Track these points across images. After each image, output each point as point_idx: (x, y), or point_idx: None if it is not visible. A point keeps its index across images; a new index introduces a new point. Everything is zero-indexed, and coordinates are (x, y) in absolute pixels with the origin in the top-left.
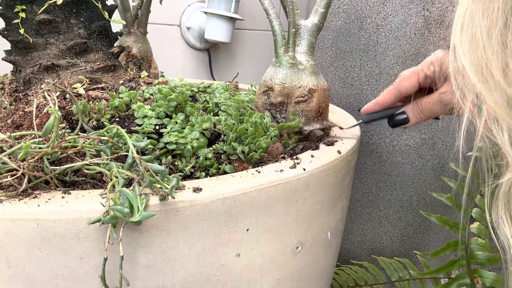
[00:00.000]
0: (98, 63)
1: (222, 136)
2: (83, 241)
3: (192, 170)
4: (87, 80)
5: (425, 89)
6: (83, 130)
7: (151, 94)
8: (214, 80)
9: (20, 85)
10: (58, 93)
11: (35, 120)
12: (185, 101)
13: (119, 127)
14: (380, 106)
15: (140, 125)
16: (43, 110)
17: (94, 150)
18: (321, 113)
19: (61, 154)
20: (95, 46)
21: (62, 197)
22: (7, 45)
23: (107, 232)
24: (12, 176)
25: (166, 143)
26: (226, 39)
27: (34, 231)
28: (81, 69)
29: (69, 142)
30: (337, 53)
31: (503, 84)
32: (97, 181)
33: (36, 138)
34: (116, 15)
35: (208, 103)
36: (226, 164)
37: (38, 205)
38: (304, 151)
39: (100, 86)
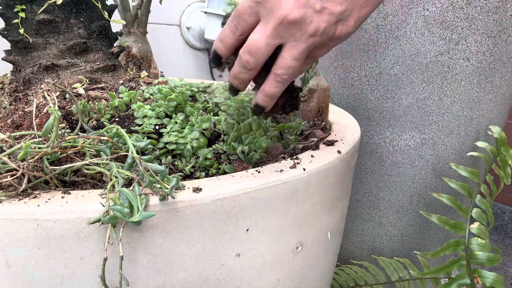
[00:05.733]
0: (98, 63)
1: (222, 136)
2: (83, 241)
3: (192, 170)
4: (87, 80)
5: None
6: (83, 130)
7: (151, 94)
8: (214, 80)
9: (20, 85)
10: (58, 93)
11: (35, 120)
12: (185, 101)
13: (119, 127)
14: None
15: (140, 125)
16: (43, 110)
17: (94, 150)
18: (321, 113)
19: (61, 154)
20: (95, 46)
21: (62, 197)
22: (7, 45)
23: (107, 232)
24: (12, 176)
25: (166, 143)
26: None
27: (34, 231)
28: (81, 69)
29: (69, 142)
30: (337, 53)
31: None
32: (97, 181)
33: (36, 138)
34: (116, 15)
35: (208, 103)
36: (226, 164)
37: (38, 205)
38: (304, 151)
39: (100, 86)
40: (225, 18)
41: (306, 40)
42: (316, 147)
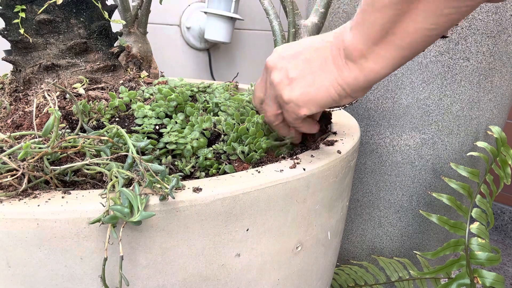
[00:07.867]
0: (98, 63)
1: (222, 136)
2: (83, 241)
3: (192, 170)
4: (87, 80)
5: None
6: (83, 130)
7: (151, 94)
8: (214, 80)
9: (20, 85)
10: (58, 93)
11: (35, 120)
12: (185, 101)
13: (119, 127)
14: None
15: (140, 125)
16: (43, 110)
17: (94, 150)
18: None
19: (61, 154)
20: (95, 46)
21: (62, 197)
22: (7, 45)
23: (107, 232)
24: (12, 176)
25: (166, 143)
26: (226, 39)
27: (34, 231)
28: (81, 69)
29: (69, 142)
30: None
31: None
32: (97, 181)
33: (36, 138)
34: (116, 15)
35: (208, 103)
36: (226, 164)
37: (38, 205)
38: (304, 151)
39: (100, 86)
40: None
41: (269, 86)
42: (316, 147)
